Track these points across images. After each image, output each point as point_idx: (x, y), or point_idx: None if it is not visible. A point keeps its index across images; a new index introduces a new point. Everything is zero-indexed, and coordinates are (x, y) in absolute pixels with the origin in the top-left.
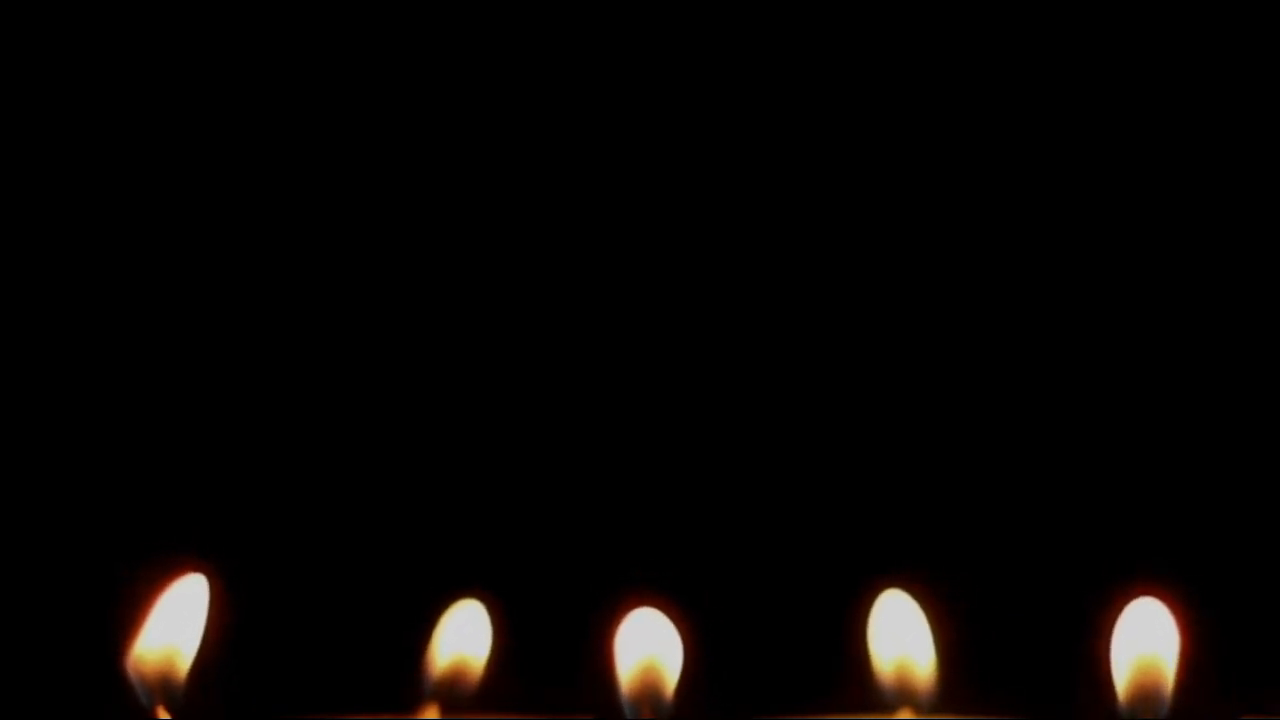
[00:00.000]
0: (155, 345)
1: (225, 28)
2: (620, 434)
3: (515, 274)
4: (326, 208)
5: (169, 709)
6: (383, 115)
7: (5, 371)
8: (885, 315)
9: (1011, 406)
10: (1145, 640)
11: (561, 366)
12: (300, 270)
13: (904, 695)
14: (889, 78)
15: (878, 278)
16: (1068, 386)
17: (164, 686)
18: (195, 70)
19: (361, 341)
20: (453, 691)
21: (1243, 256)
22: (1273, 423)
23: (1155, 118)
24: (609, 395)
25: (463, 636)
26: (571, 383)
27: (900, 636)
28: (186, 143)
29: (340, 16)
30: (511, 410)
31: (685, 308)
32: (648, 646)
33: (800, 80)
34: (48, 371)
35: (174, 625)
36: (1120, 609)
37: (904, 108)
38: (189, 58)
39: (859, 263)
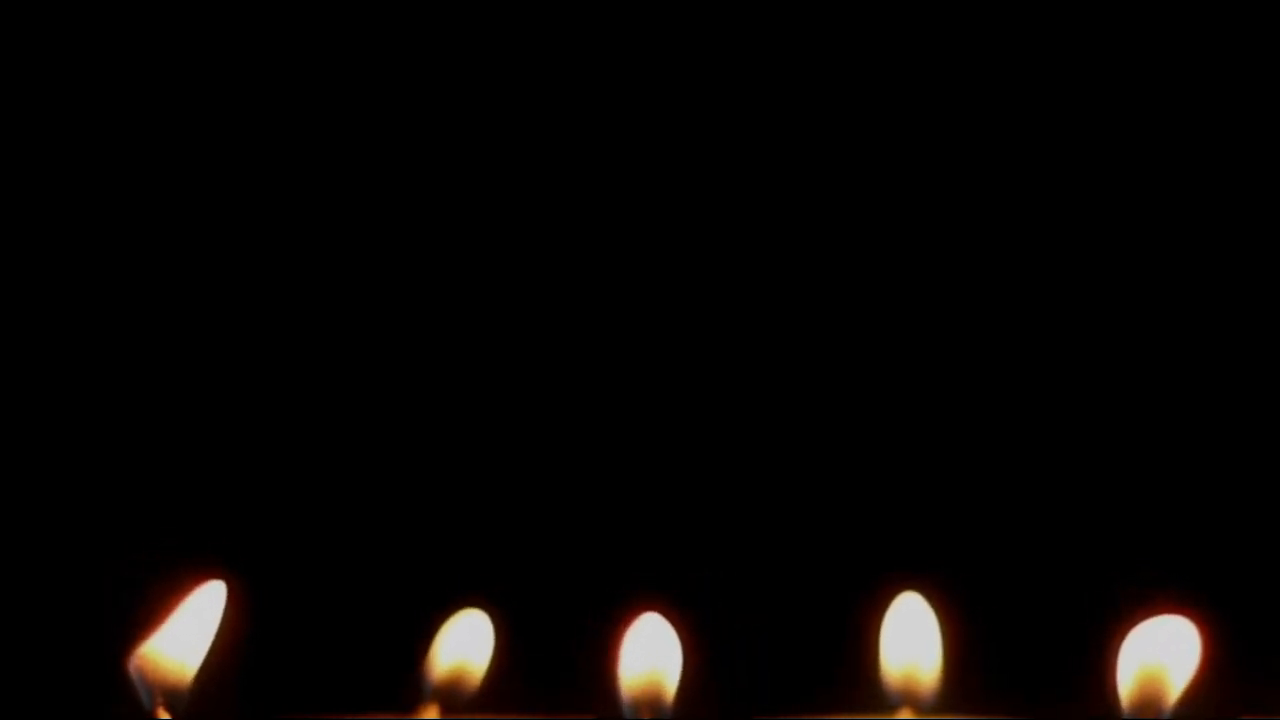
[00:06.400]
0: (162, 349)
1: (225, 28)
2: (626, 437)
3: (517, 290)
4: (341, 224)
5: (170, 709)
6: (382, 115)
7: (26, 376)
8: (887, 321)
9: (1014, 410)
10: (1147, 643)
11: (564, 365)
12: (307, 285)
13: (908, 697)
14: (889, 78)
15: (895, 287)
16: (1074, 395)
17: (165, 688)
18: (195, 70)
19: (370, 350)
20: (453, 696)
21: (1247, 266)
22: (1270, 429)
23: (1155, 118)
24: (617, 393)
25: (464, 642)
26: (578, 379)
27: (912, 640)
28: (197, 146)
29: (340, 16)
30: (518, 411)
31: (689, 311)
32: (649, 649)
33: (800, 80)
34: (63, 376)
35: (176, 627)
36: (1122, 612)
37: (904, 108)
38: (189, 58)
39: (876, 270)
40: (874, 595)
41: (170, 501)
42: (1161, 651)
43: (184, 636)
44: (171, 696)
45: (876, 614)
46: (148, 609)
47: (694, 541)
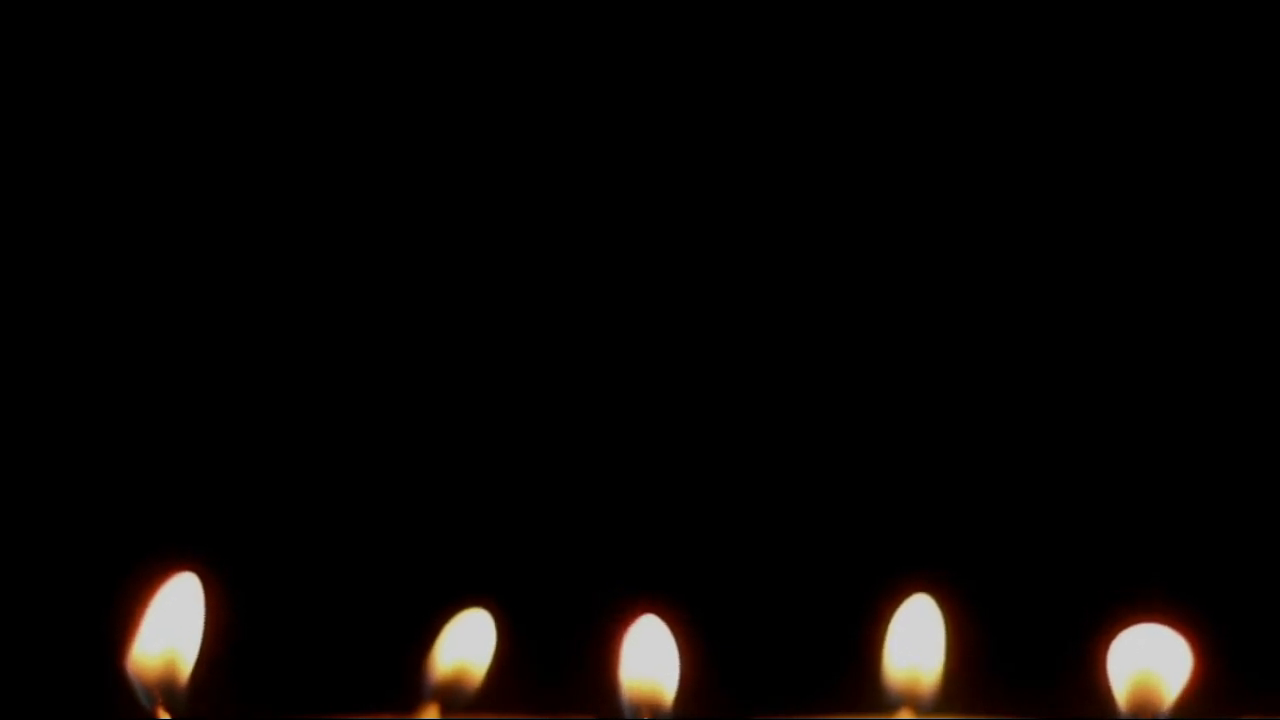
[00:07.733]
0: (161, 348)
1: (225, 28)
2: (626, 437)
3: (518, 285)
4: (327, 211)
5: (169, 709)
6: (382, 115)
7: (14, 378)
8: (886, 325)
9: (1015, 414)
10: (1145, 644)
11: (566, 366)
12: (302, 278)
13: (909, 698)
14: (889, 78)
15: (900, 295)
16: (1074, 400)
17: (165, 687)
18: (195, 70)
19: (370, 350)
20: (454, 696)
21: (1243, 274)
22: (1268, 433)
23: (1155, 118)
24: (624, 389)
25: (465, 641)
26: (584, 377)
27: (918, 641)
28: (186, 142)
29: (340, 16)
30: (519, 411)
31: (690, 312)
32: (649, 649)
33: (800, 80)
34: (46, 373)
35: (175, 626)
36: (1120, 613)
37: (904, 108)
38: (189, 58)
39: (882, 277)
40: (872, 596)
41: (172, 503)
42: (1159, 652)
43: (182, 636)
44: (170, 697)
45: (875, 614)
46: (145, 609)
47: (695, 541)
